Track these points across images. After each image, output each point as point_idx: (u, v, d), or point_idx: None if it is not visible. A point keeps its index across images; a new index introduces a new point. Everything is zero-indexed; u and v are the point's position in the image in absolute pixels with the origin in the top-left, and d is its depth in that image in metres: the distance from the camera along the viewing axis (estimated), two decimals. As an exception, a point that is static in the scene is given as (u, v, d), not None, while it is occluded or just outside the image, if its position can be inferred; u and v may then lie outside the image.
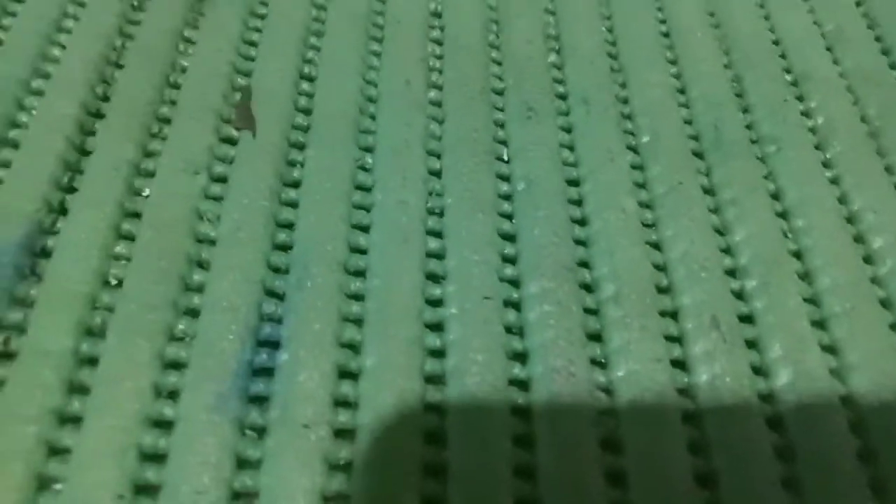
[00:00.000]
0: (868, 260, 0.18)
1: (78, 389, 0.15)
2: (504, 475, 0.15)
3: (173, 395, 0.15)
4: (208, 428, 0.15)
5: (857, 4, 0.25)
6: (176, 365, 0.16)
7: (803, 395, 0.16)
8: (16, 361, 0.15)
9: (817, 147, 0.21)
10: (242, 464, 0.15)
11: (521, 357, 0.16)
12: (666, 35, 0.24)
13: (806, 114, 0.22)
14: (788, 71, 0.23)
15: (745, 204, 0.19)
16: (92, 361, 0.16)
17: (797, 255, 0.18)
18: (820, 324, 0.17)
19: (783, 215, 0.19)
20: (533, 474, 0.15)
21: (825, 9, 0.25)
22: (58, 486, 0.14)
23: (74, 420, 0.15)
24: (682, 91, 0.22)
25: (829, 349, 0.17)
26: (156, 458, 0.15)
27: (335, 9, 0.23)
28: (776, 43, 0.24)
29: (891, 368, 0.17)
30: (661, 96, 0.21)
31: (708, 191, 0.20)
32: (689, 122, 0.21)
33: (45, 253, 0.17)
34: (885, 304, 0.18)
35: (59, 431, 0.15)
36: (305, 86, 0.21)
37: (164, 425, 0.15)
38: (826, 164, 0.20)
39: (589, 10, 0.24)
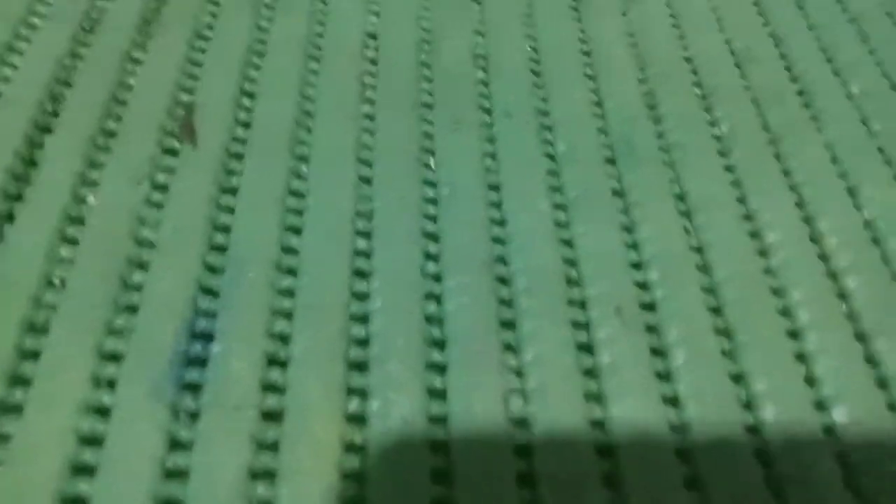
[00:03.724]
0: (762, 253, 0.20)
1: (20, 381, 0.16)
2: (419, 449, 0.16)
3: (111, 384, 0.16)
4: (143, 413, 0.16)
5: (765, 25, 0.27)
6: (115, 357, 0.17)
7: (697, 374, 0.18)
8: (-39, 356, 0.16)
9: (720, 153, 0.23)
10: (175, 445, 0.16)
11: (439, 344, 0.18)
12: (587, 54, 0.25)
13: (712, 123, 0.23)
14: (699, 85, 0.25)
15: (651, 205, 0.21)
16: (35, 355, 0.17)
17: (698, 249, 0.20)
18: (716, 310, 0.19)
19: (686, 214, 0.21)
20: (447, 449, 0.16)
21: (735, 29, 0.27)
22: (-1, 470, 0.15)
23: (16, 409, 0.16)
24: (598, 104, 0.24)
25: (724, 332, 0.18)
26: (94, 441, 0.16)
27: (277, 32, 0.25)
28: (688, 60, 0.26)
29: (780, 349, 0.18)
30: (579, 109, 0.23)
31: (617, 193, 0.21)
32: (603, 132, 0.23)
33: (-7, 257, 0.18)
34: (776, 292, 0.19)
35: (0, 419, 0.16)
36: (246, 101, 0.23)
37: (102, 412, 0.16)
38: (728, 169, 0.22)
39: (516, 32, 0.26)
